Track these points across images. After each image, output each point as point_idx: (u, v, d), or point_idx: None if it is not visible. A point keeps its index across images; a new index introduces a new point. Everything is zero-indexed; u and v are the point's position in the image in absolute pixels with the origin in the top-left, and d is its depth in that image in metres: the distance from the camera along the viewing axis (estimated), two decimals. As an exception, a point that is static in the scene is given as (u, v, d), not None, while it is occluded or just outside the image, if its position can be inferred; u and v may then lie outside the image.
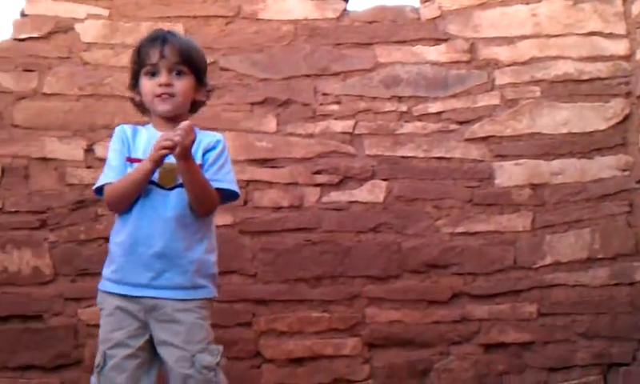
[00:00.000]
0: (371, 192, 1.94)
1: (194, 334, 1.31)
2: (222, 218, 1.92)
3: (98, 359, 1.32)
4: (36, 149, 1.92)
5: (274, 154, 1.95)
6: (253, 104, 1.96)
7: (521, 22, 1.99)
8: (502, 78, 1.97)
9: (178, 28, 1.95)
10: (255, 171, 1.95)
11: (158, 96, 1.35)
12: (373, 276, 1.93)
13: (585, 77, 1.97)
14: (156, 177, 1.32)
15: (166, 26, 1.92)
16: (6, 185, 1.92)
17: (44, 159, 1.92)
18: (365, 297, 1.92)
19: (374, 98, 1.97)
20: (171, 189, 1.33)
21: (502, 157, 1.94)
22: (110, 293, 1.34)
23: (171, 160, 1.30)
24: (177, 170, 1.31)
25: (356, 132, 1.96)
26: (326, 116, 1.96)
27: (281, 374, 1.90)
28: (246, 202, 1.94)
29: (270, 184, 1.95)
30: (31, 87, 1.94)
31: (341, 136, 1.96)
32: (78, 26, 1.95)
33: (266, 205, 1.94)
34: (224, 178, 1.38)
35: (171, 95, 1.35)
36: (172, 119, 1.36)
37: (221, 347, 1.35)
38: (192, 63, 1.38)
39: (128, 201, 1.34)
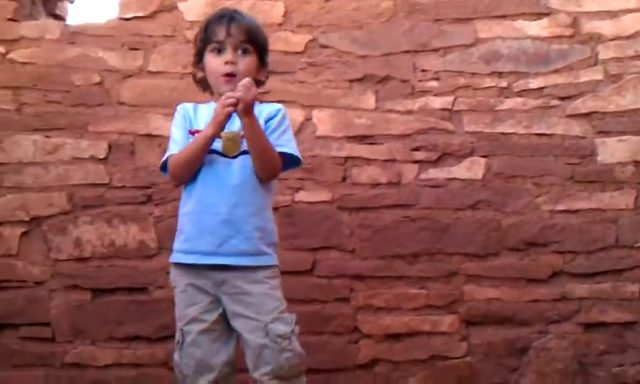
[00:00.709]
0: (470, 169, 2.23)
1: (266, 304, 1.52)
2: (319, 193, 2.25)
3: (177, 336, 1.56)
4: (141, 125, 2.27)
5: (372, 130, 2.26)
6: (352, 81, 2.27)
7: (625, -5, 2.25)
8: (605, 52, 2.23)
9: (278, 7, 2.28)
10: (354, 148, 2.26)
11: (224, 76, 1.56)
12: (471, 253, 2.22)
13: (692, 51, 2.21)
14: (219, 147, 1.53)
15: (266, 4, 2.27)
16: (113, 161, 2.28)
17: (149, 136, 2.27)
18: (463, 274, 2.21)
19: (474, 73, 2.26)
20: (234, 157, 1.54)
21: (605, 133, 2.21)
22: (181, 265, 1.57)
23: (232, 129, 1.51)
24: (239, 136, 1.52)
25: (455, 108, 2.25)
26: (424, 92, 2.26)
27: (378, 349, 2.21)
28: (344, 179, 2.26)
29: (369, 161, 2.26)
30: (137, 65, 2.30)
31: (440, 112, 2.26)
32: (181, 5, 2.29)
33: (365, 181, 2.26)
34: (286, 143, 1.59)
35: (234, 74, 1.55)
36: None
37: (294, 315, 1.57)
38: (257, 42, 1.60)
39: (191, 169, 1.54)
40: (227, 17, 1.59)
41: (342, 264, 2.23)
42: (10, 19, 2.31)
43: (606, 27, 2.24)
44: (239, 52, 1.56)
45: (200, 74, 1.64)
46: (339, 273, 2.23)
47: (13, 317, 2.25)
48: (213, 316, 1.53)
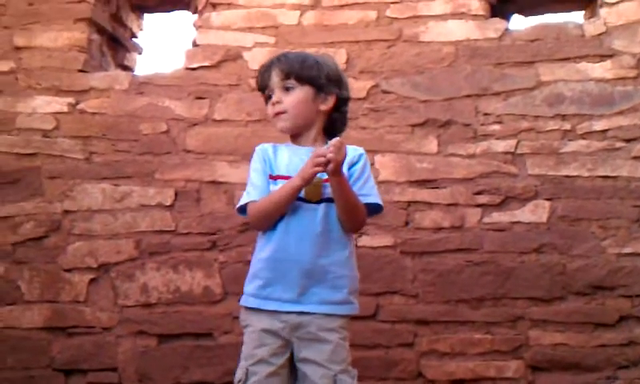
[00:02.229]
0: (534, 212, 3.02)
1: (338, 354, 2.02)
2: (382, 238, 3.07)
3: (240, 374, 2.02)
4: (207, 173, 3.16)
5: (434, 174, 3.08)
6: (414, 126, 3.10)
7: (690, 35, 3.01)
8: (671, 94, 3.00)
9: (341, 53, 3.15)
10: (416, 192, 3.08)
11: (274, 116, 2.14)
12: (536, 297, 2.98)
13: None
14: (301, 192, 2.02)
15: (329, 51, 3.13)
16: (179, 208, 3.17)
17: (214, 183, 3.15)
18: (528, 319, 2.98)
19: (537, 116, 3.06)
20: (317, 202, 2.05)
21: (672, 176, 2.96)
22: (255, 309, 2.06)
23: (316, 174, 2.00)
24: (321, 184, 2.01)
25: (518, 151, 3.05)
26: (487, 136, 3.07)
27: (443, 394, 2.99)
28: (407, 223, 3.07)
29: (431, 205, 3.07)
30: (202, 114, 3.20)
31: (502, 156, 3.06)
32: (246, 54, 3.19)
33: (427, 226, 3.07)
34: (370, 191, 2.11)
35: (282, 112, 2.11)
36: (300, 134, 2.15)
37: (356, 371, 2.16)
38: (299, 75, 2.10)
39: (273, 218, 2.04)
40: (268, 64, 2.17)
41: (406, 309, 3.03)
42: (80, 70, 3.26)
43: (671, 68, 3.01)
44: (283, 91, 2.11)
45: None
46: (403, 317, 3.03)
47: (80, 362, 3.13)
48: (280, 360, 2.03)
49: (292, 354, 2.06)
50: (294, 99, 2.11)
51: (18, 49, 3.33)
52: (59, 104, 3.26)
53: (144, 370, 3.10)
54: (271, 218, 2.06)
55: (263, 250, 2.09)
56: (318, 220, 2.04)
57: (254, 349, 2.04)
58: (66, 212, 3.19)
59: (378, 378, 2.97)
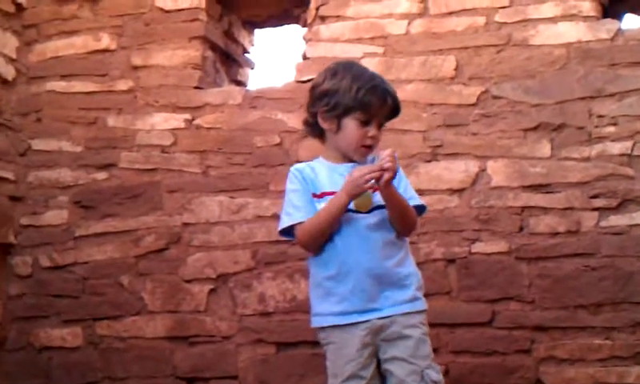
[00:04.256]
0: (653, 215, 3.72)
1: (422, 349, 2.56)
2: (496, 244, 3.84)
3: None
4: (320, 182, 4.07)
5: (548, 179, 3.81)
6: (526, 130, 3.86)
7: None
8: None
9: (450, 60, 3.96)
10: (530, 197, 3.83)
11: (364, 147, 2.65)
12: (657, 302, 3.68)
13: None
14: (351, 204, 2.55)
15: (437, 59, 3.98)
16: (294, 217, 4.09)
17: (328, 192, 4.06)
18: (649, 323, 3.68)
19: (653, 117, 3.77)
20: (368, 212, 2.61)
21: None
22: (336, 326, 2.60)
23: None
24: (370, 194, 2.54)
25: (634, 153, 3.73)
26: (601, 138, 3.78)
27: (563, 401, 3.74)
28: (521, 229, 3.83)
29: (546, 210, 3.82)
30: (314, 125, 4.11)
31: (618, 158, 3.76)
32: (356, 66, 4.09)
33: (542, 231, 3.81)
34: (413, 194, 2.70)
35: (373, 148, 2.68)
36: (347, 156, 2.70)
37: (439, 367, 2.73)
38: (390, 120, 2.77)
39: (325, 237, 2.58)
40: (383, 92, 2.65)
41: (522, 315, 3.76)
42: (196, 87, 4.25)
43: None
44: (378, 127, 2.68)
45: (312, 120, 2.77)
46: (519, 324, 3.76)
47: (202, 371, 4.06)
48: (369, 371, 2.57)
49: (378, 362, 2.63)
50: (380, 138, 2.73)
51: (135, 68, 4.31)
52: (176, 120, 4.22)
53: (263, 378, 3.94)
54: (324, 237, 2.63)
55: (327, 268, 2.65)
56: (373, 227, 2.62)
57: (344, 365, 2.60)
58: (185, 224, 4.13)
59: (495, 385, 3.77)
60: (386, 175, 2.52)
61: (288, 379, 3.98)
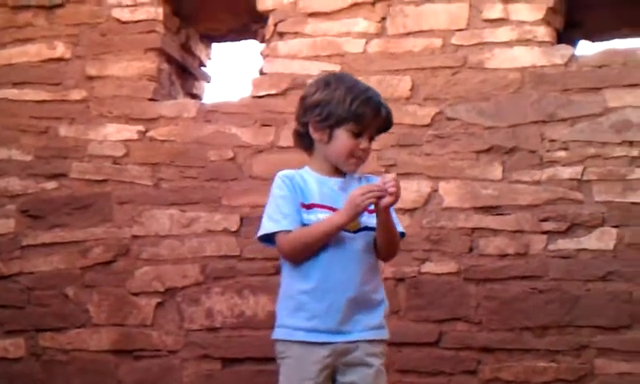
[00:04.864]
0: (600, 239, 4.03)
1: (379, 380, 2.68)
2: (446, 265, 4.16)
3: None
4: (272, 198, 4.39)
5: (499, 201, 4.14)
6: (478, 152, 4.19)
7: None
8: None
9: (405, 81, 4.32)
10: (481, 219, 4.16)
11: (355, 158, 2.75)
12: (602, 326, 3.95)
13: None
14: None
15: (393, 78, 4.34)
16: (245, 233, 4.35)
17: (279, 207, 4.38)
18: (594, 347, 3.92)
19: (604, 143, 4.08)
20: (355, 231, 2.70)
21: None
22: (301, 342, 2.66)
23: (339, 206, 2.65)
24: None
25: (584, 178, 4.08)
26: (553, 162, 4.12)
27: (507, 424, 4.05)
28: (471, 250, 4.17)
29: (496, 231, 4.14)
30: (268, 141, 4.39)
31: (568, 182, 4.10)
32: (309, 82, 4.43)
33: (492, 252, 4.13)
34: (397, 221, 2.78)
35: (363, 161, 2.78)
36: (336, 168, 2.78)
37: None
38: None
39: (313, 252, 2.65)
40: (379, 106, 2.78)
41: (469, 336, 4.06)
42: (150, 99, 4.57)
43: None
44: (369, 141, 2.79)
45: (302, 130, 2.85)
46: (466, 345, 4.05)
47: (147, 385, 4.37)
48: None
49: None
50: (370, 151, 2.86)
51: (90, 78, 4.57)
52: (129, 132, 4.49)
53: None
54: (311, 252, 2.71)
55: (306, 281, 2.74)
56: (359, 248, 2.75)
57: (300, 381, 2.70)
58: (135, 237, 4.39)
59: (440, 406, 4.08)
60: (389, 199, 2.67)
61: (233, 396, 4.26)
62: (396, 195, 2.69)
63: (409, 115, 4.25)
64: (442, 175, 4.18)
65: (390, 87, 4.28)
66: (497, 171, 4.15)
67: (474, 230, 4.14)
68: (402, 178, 3.94)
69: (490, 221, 4.13)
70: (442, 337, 4.08)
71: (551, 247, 4.06)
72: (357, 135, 2.78)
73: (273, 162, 4.33)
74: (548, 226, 4.06)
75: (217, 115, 4.45)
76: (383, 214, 2.73)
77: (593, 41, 4.43)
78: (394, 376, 3.98)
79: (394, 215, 2.84)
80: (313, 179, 2.84)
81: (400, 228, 2.89)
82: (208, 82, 4.95)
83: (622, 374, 3.92)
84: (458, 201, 4.16)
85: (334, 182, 2.84)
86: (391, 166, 4.19)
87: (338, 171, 2.86)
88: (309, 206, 2.79)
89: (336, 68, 4.35)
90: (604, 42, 4.40)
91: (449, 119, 4.23)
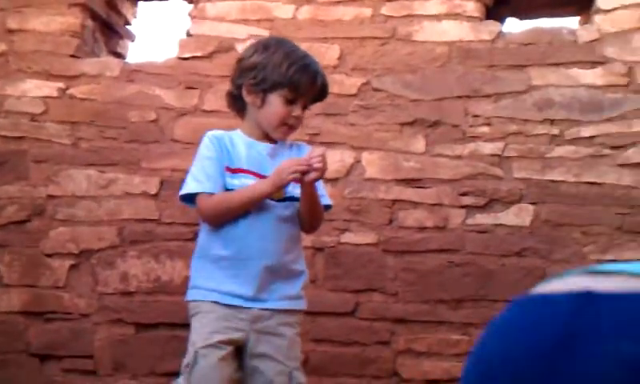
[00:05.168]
0: (518, 215, 4.24)
1: (293, 350, 2.83)
2: (365, 236, 4.34)
3: (189, 359, 2.74)
4: (193, 161, 4.52)
5: (421, 174, 4.33)
6: (403, 124, 4.38)
7: (684, 45, 4.29)
8: (661, 103, 4.27)
9: (334, 49, 4.47)
10: (402, 191, 4.34)
11: (286, 126, 2.88)
12: (517, 301, 4.21)
13: None
14: None
15: (322, 46, 4.49)
16: (164, 197, 4.46)
17: (200, 172, 4.52)
18: (508, 322, 4.21)
19: (526, 120, 4.29)
20: (279, 200, 2.83)
21: (658, 184, 4.21)
22: (215, 303, 2.78)
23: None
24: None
25: (505, 154, 4.29)
26: (475, 138, 4.32)
27: (419, 396, 4.24)
28: (390, 221, 4.34)
29: (416, 204, 4.33)
30: (192, 104, 4.51)
31: (489, 158, 4.30)
32: (239, 46, 4.46)
33: (411, 225, 4.32)
34: (323, 192, 2.93)
35: (295, 127, 2.93)
36: (268, 135, 2.90)
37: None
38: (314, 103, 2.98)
39: (234, 217, 2.78)
40: (314, 73, 2.89)
41: (385, 307, 4.24)
42: (72, 56, 4.66)
43: (662, 77, 4.28)
44: (303, 109, 2.90)
45: (236, 92, 2.95)
46: (381, 316, 4.23)
47: (57, 348, 4.40)
48: (230, 349, 2.76)
49: (241, 350, 2.83)
50: (303, 119, 2.99)
51: (10, 31, 4.60)
52: (49, 88, 4.53)
53: (120, 359, 4.29)
54: (232, 217, 2.83)
55: (226, 246, 2.85)
56: (281, 218, 2.87)
57: (208, 333, 2.78)
58: (50, 197, 4.43)
59: (353, 376, 4.19)
60: (314, 175, 2.76)
61: (145, 361, 4.36)
62: (322, 170, 2.78)
63: (336, 84, 4.37)
64: (366, 146, 4.34)
65: (319, 55, 4.34)
66: (420, 144, 4.32)
67: (394, 201, 4.30)
68: (326, 146, 4.15)
69: (410, 193, 4.30)
70: (358, 307, 4.24)
71: (469, 221, 4.24)
72: (290, 102, 2.88)
73: (196, 126, 4.44)
74: (467, 200, 4.25)
75: (140, 75, 4.55)
76: (308, 187, 2.84)
77: (520, 19, 4.62)
78: (308, 345, 4.12)
79: (321, 188, 2.96)
80: (242, 142, 2.93)
81: (326, 200, 3.01)
82: (133, 41, 5.04)
83: (533, 349, 4.10)
84: (380, 172, 4.32)
85: (264, 147, 2.94)
86: (315, 134, 4.33)
87: (269, 137, 2.96)
88: (234, 170, 2.88)
89: (265, 33, 4.47)
90: (531, 21, 4.60)
91: (375, 90, 4.39)
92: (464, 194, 4.24)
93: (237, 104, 3.02)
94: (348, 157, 4.32)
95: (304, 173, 2.76)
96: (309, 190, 2.84)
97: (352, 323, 4.23)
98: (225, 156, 2.88)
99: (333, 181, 4.29)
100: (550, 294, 0.89)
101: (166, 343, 4.33)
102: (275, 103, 2.88)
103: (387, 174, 4.31)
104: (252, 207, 2.83)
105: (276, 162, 2.88)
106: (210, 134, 2.97)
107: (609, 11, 4.29)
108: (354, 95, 4.39)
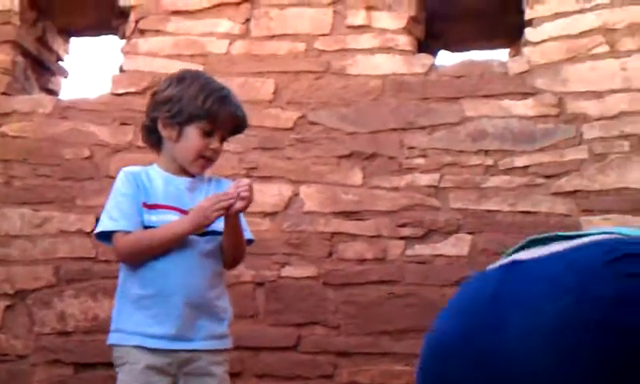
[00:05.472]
0: (456, 245, 4.31)
1: None
2: (305, 269, 4.35)
3: None
4: (130, 198, 4.47)
5: (359, 206, 4.36)
6: (340, 157, 4.40)
7: (610, 75, 4.36)
8: (590, 132, 4.33)
9: (269, 84, 4.49)
10: (340, 224, 4.36)
11: (204, 159, 2.80)
12: (457, 330, 4.27)
13: (676, 132, 4.34)
14: None
15: (257, 81, 4.50)
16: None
17: (137, 208, 4.47)
18: (449, 351, 4.26)
19: (461, 151, 4.38)
20: (201, 235, 2.75)
21: (589, 211, 4.27)
22: (139, 347, 2.68)
23: (192, 207, 2.72)
24: None
25: (441, 185, 4.35)
26: (411, 169, 4.38)
27: (363, 428, 4.25)
28: (330, 254, 4.36)
29: (355, 236, 4.36)
30: (127, 140, 4.47)
31: (426, 189, 4.36)
32: (173, 82, 4.53)
33: (350, 257, 4.34)
34: (246, 226, 2.87)
35: (213, 161, 2.87)
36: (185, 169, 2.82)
37: None
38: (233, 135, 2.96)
39: (153, 256, 2.68)
40: (232, 105, 2.84)
41: (327, 340, 4.26)
42: (4, 93, 4.57)
43: (591, 107, 4.33)
44: (221, 142, 2.85)
45: (151, 125, 2.88)
46: (324, 349, 4.24)
47: (-7, 391, 4.35)
48: None
49: None
50: (220, 152, 2.92)
51: None
52: None
53: None
54: (151, 256, 2.74)
55: (146, 285, 2.76)
56: (203, 253, 2.80)
57: None
58: None
59: (297, 410, 4.24)
60: (240, 204, 2.71)
61: (85, 402, 4.30)
62: (248, 200, 2.74)
63: (271, 118, 4.40)
64: (304, 179, 4.34)
65: (253, 90, 4.43)
66: (357, 176, 4.34)
67: (333, 234, 4.31)
68: (263, 181, 4.15)
69: (349, 226, 4.31)
70: (301, 341, 4.23)
71: (409, 252, 4.27)
72: (208, 134, 2.82)
73: (131, 162, 4.32)
74: (406, 231, 4.28)
75: (74, 112, 4.48)
76: (232, 219, 2.78)
77: (452, 51, 4.70)
78: (250, 381, 4.12)
79: (243, 222, 2.89)
80: (159, 177, 2.85)
81: (248, 234, 2.95)
82: (65, 77, 4.97)
83: (474, 377, 4.15)
84: (318, 205, 4.33)
85: (182, 181, 2.87)
86: (253, 168, 4.32)
87: (187, 171, 2.89)
88: (151, 206, 2.80)
89: (199, 68, 4.44)
90: (463, 53, 4.67)
91: (311, 123, 4.40)
92: (402, 226, 4.27)
93: (152, 138, 2.94)
94: (286, 190, 4.33)
95: (228, 207, 2.71)
96: (233, 222, 2.79)
97: (294, 357, 4.22)
98: (141, 192, 2.80)
99: (271, 215, 4.29)
100: (486, 271, 0.99)
101: (104, 383, 4.24)
102: (192, 136, 2.82)
103: (326, 207, 4.32)
104: (172, 246, 2.75)
105: (195, 196, 2.83)
106: (125, 169, 2.89)
107: (538, 43, 4.39)
108: (291, 129, 4.40)
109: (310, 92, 4.42)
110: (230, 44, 4.51)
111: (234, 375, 3.86)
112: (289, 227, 4.27)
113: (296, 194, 4.34)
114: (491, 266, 0.94)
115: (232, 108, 2.88)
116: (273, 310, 4.24)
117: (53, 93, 4.82)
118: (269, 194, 4.30)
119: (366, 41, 4.45)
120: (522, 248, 0.96)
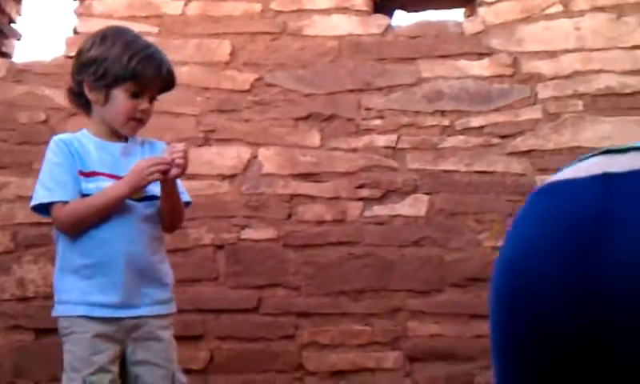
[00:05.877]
0: (413, 206, 4.35)
1: (172, 352, 2.72)
2: (265, 231, 4.36)
3: None
4: (87, 163, 4.43)
5: (317, 168, 4.37)
6: (297, 119, 4.40)
7: (564, 35, 4.41)
8: (544, 91, 4.38)
9: (225, 45, 4.46)
10: (299, 186, 4.37)
11: (135, 121, 2.71)
12: (415, 290, 4.30)
13: (628, 90, 4.35)
14: None
15: (213, 42, 4.45)
16: (58, 198, 4.41)
17: (95, 173, 4.43)
18: (406, 310, 4.29)
19: (417, 112, 4.40)
20: (139, 200, 2.69)
21: (544, 171, 4.33)
22: (85, 317, 2.62)
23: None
24: None
25: (399, 146, 4.38)
26: (369, 130, 4.39)
27: (324, 386, 4.31)
28: (289, 216, 4.38)
29: (314, 198, 4.38)
30: (83, 103, 4.45)
31: (384, 150, 4.39)
32: (128, 45, 4.46)
33: (310, 219, 4.36)
34: (183, 189, 2.80)
35: (144, 122, 2.75)
36: (117, 132, 2.75)
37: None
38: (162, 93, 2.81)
39: (92, 224, 2.61)
40: (159, 63, 2.72)
41: (288, 301, 4.30)
42: (-46, 57, 4.48)
43: (545, 67, 4.39)
44: (150, 101, 2.75)
45: (77, 89, 2.79)
46: (285, 310, 4.29)
47: (-48, 359, 4.33)
48: (116, 367, 2.64)
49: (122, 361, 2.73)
50: (151, 112, 2.81)
51: None
52: None
53: (21, 365, 4.20)
54: (90, 225, 2.66)
55: (87, 254, 2.69)
56: (142, 218, 2.75)
57: (90, 356, 2.62)
58: None
59: (259, 371, 4.22)
60: (176, 171, 2.65)
61: (47, 367, 4.26)
62: (183, 167, 2.67)
63: (228, 80, 4.37)
64: (262, 141, 4.34)
65: (210, 51, 4.38)
66: (315, 138, 4.34)
67: (292, 196, 4.32)
68: (221, 143, 4.14)
69: (308, 187, 4.32)
70: (262, 303, 4.25)
71: (367, 213, 4.30)
72: (135, 95, 2.72)
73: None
74: (364, 192, 4.30)
75: (28, 75, 4.41)
76: (169, 184, 2.73)
77: (408, 12, 4.68)
78: (212, 343, 4.14)
79: (180, 185, 2.84)
80: (92, 144, 2.77)
81: (186, 197, 2.90)
82: (18, 39, 4.86)
83: (433, 335, 4.22)
84: (277, 167, 4.33)
85: (115, 147, 2.80)
86: (210, 131, 4.30)
87: (118, 134, 2.81)
88: (88, 174, 2.73)
89: (154, 29, 4.40)
90: (419, 14, 4.66)
91: (268, 85, 4.38)
92: (360, 187, 4.30)
93: (80, 101, 2.85)
94: (244, 153, 4.32)
95: (165, 171, 2.65)
96: (170, 187, 2.73)
97: (256, 319, 4.25)
98: (76, 160, 2.71)
99: (230, 177, 4.29)
100: (573, 179, 0.89)
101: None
102: (119, 98, 2.72)
103: (284, 169, 4.32)
104: (111, 211, 2.67)
105: (130, 161, 2.75)
106: (56, 138, 2.79)
107: (492, 3, 4.41)
108: (248, 91, 4.38)
109: (267, 53, 4.39)
110: (186, 5, 4.46)
111: (195, 338, 3.93)
112: (248, 190, 4.27)
113: (254, 157, 4.33)
114: (570, 173, 0.83)
115: (158, 66, 2.76)
116: (233, 272, 4.25)
117: (6, 56, 4.72)
118: (227, 157, 4.29)
119: (321, 1, 4.44)
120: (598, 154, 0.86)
